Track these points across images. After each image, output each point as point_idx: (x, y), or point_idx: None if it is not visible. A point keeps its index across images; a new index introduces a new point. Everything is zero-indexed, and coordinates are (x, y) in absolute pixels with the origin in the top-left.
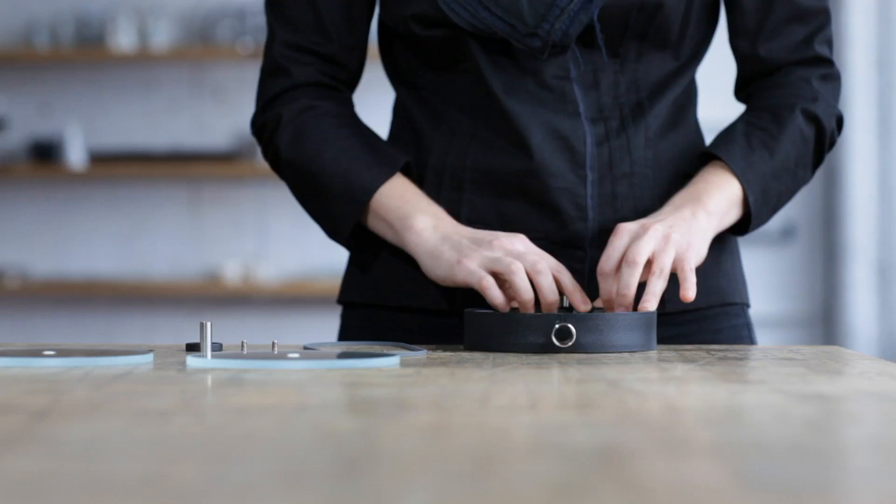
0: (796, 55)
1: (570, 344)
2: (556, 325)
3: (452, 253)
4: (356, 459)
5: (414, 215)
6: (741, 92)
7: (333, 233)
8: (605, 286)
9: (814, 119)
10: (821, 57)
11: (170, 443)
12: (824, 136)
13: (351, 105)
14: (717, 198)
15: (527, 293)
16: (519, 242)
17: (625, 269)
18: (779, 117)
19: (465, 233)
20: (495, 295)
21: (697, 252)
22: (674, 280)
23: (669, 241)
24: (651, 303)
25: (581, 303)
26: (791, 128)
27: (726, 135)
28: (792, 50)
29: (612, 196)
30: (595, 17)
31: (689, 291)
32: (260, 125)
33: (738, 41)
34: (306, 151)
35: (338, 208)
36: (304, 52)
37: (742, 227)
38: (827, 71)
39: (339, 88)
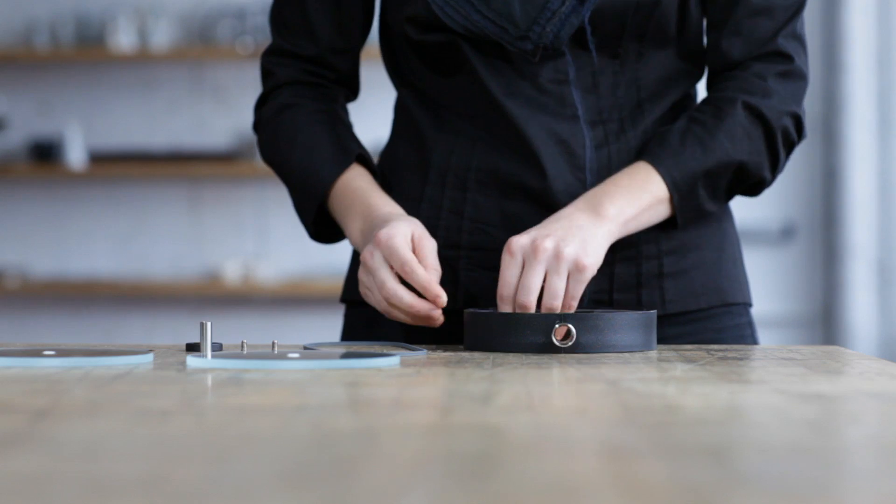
0: (755, 50)
1: (570, 344)
2: (556, 325)
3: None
4: (356, 459)
5: (348, 220)
6: (709, 86)
7: (303, 224)
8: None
9: (758, 115)
10: (782, 52)
11: (170, 443)
12: (774, 133)
13: (334, 99)
14: (619, 202)
15: (391, 309)
16: (376, 251)
17: (518, 311)
18: (719, 111)
19: (371, 241)
20: (396, 317)
21: (591, 263)
22: (673, 280)
23: (561, 259)
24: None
25: (436, 297)
26: (729, 122)
27: (664, 133)
28: (753, 45)
29: None
30: (586, 20)
31: (566, 305)
32: (253, 123)
33: (708, 34)
34: (280, 150)
35: (302, 203)
36: (287, 56)
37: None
38: (786, 68)
39: (323, 84)
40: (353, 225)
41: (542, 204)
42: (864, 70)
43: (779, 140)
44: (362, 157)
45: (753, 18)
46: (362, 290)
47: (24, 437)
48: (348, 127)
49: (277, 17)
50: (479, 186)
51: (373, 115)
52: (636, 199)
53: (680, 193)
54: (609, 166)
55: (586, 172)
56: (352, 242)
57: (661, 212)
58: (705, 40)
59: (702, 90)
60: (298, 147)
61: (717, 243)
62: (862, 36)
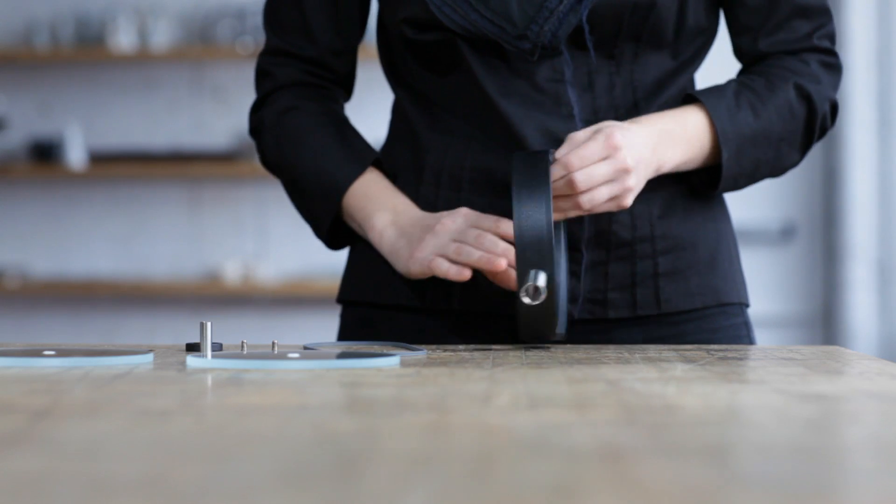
0: (797, 46)
1: (541, 299)
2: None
3: (406, 248)
4: (356, 459)
5: (373, 215)
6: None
7: (316, 231)
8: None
9: (806, 97)
10: (820, 48)
11: (170, 443)
12: (815, 117)
13: (335, 100)
14: (677, 147)
15: (480, 261)
16: (460, 218)
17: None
18: (772, 84)
19: (418, 222)
20: (445, 268)
21: (629, 199)
22: (668, 279)
23: (624, 176)
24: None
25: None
26: (781, 97)
27: (716, 87)
28: (793, 43)
29: None
30: (584, 19)
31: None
32: (251, 129)
33: (740, 39)
34: (286, 153)
35: (315, 207)
36: (286, 56)
37: (710, 183)
38: (828, 59)
39: (324, 86)
40: (380, 217)
41: None
42: (864, 70)
43: (817, 124)
44: (378, 161)
45: (790, 21)
46: (423, 253)
47: (24, 437)
48: (354, 128)
49: (273, 16)
50: (472, 186)
51: (372, 116)
52: (685, 146)
53: (729, 152)
54: None
55: None
56: (376, 236)
57: (696, 162)
58: (734, 43)
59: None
60: (308, 151)
61: (712, 243)
62: (862, 36)
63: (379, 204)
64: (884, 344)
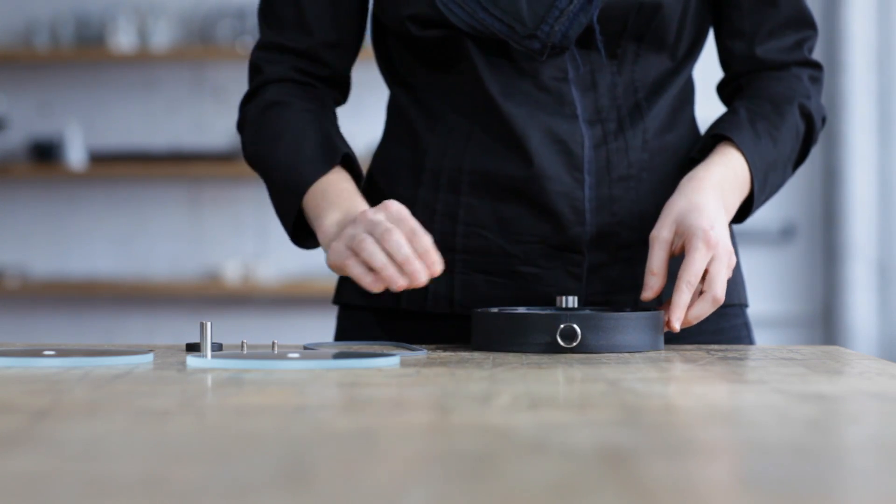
0: (790, 57)
1: (575, 344)
2: (561, 326)
3: (335, 240)
4: (356, 459)
5: (324, 214)
6: (725, 88)
7: (283, 224)
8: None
9: (807, 116)
10: (809, 60)
11: (170, 443)
12: (812, 134)
13: (321, 99)
14: (736, 193)
15: (378, 262)
16: (382, 212)
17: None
18: (779, 108)
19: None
20: (358, 272)
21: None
22: (670, 282)
23: (729, 263)
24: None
25: (434, 263)
26: (790, 121)
27: (732, 118)
28: (786, 52)
29: (610, 199)
30: (595, 19)
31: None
32: (237, 124)
33: (732, 41)
34: (262, 148)
35: (282, 202)
36: (279, 51)
37: (739, 215)
38: (816, 73)
39: (313, 84)
40: (330, 216)
41: (538, 206)
42: (864, 70)
43: (813, 140)
44: (348, 158)
45: (783, 29)
46: (341, 248)
47: (24, 437)
48: (336, 127)
49: (268, 9)
50: (471, 189)
51: (371, 116)
52: (738, 190)
53: (759, 183)
54: (607, 167)
55: (584, 172)
56: (322, 235)
57: (739, 200)
58: (724, 46)
59: (700, 90)
60: (284, 144)
61: None
62: (862, 36)
63: (333, 204)
64: (884, 344)
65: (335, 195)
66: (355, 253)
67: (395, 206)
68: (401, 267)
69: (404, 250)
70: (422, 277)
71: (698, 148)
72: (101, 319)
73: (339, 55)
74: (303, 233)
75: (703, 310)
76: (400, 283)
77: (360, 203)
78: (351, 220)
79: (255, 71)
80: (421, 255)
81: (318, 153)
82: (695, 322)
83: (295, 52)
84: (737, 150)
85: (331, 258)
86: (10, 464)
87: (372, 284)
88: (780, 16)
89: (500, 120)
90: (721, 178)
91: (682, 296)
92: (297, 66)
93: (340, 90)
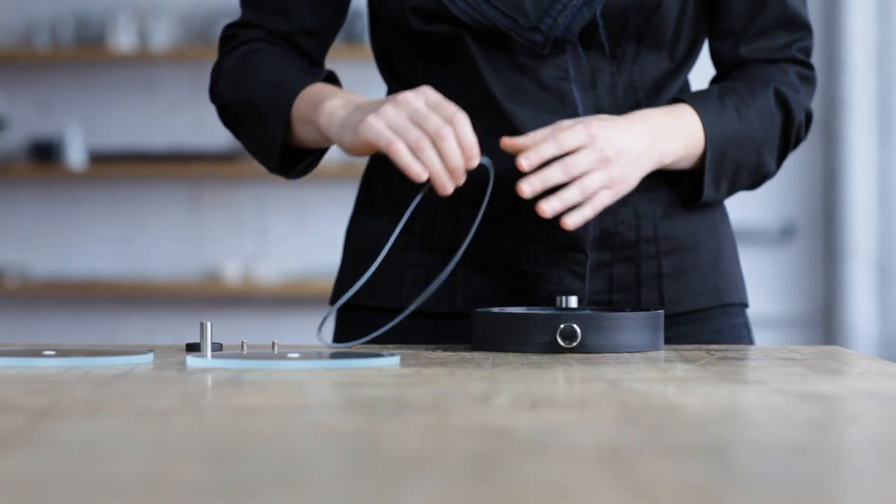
0: (776, 56)
1: (575, 344)
2: (561, 326)
3: (358, 115)
4: (356, 459)
5: (323, 101)
6: None
7: (268, 155)
8: (541, 152)
9: (783, 103)
10: (798, 59)
11: (170, 443)
12: (792, 125)
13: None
14: (675, 139)
15: (437, 170)
16: (422, 97)
17: (555, 168)
18: (752, 88)
19: (373, 100)
20: (407, 160)
21: (625, 188)
22: (672, 280)
23: (594, 145)
24: (548, 203)
25: (473, 155)
26: (762, 101)
27: (702, 92)
28: (772, 52)
29: None
30: (598, 13)
31: (572, 219)
32: (210, 88)
33: (720, 43)
34: (242, 85)
35: (267, 124)
36: (256, 28)
37: (693, 190)
38: (805, 72)
39: (287, 48)
40: (330, 102)
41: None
42: (864, 70)
43: (793, 133)
44: (332, 75)
45: (773, 30)
46: (380, 126)
47: (24, 437)
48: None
49: None
50: (472, 188)
51: None
52: (682, 140)
53: (713, 153)
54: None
55: None
56: (322, 119)
57: (683, 164)
58: (714, 46)
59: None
60: (261, 76)
61: (713, 243)
62: (862, 36)
63: (329, 95)
64: (884, 344)
65: (327, 91)
66: (403, 138)
67: (431, 91)
68: (451, 173)
69: (457, 157)
70: (459, 178)
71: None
72: (101, 319)
73: (315, 43)
74: (288, 161)
75: (552, 177)
76: (449, 191)
77: (357, 96)
78: (371, 102)
79: (226, 40)
80: (464, 147)
81: (300, 73)
82: (552, 201)
83: (272, 33)
84: (693, 112)
85: (366, 132)
86: (10, 464)
87: (419, 175)
88: (769, 17)
89: (501, 118)
90: (662, 121)
91: (535, 138)
92: (273, 39)
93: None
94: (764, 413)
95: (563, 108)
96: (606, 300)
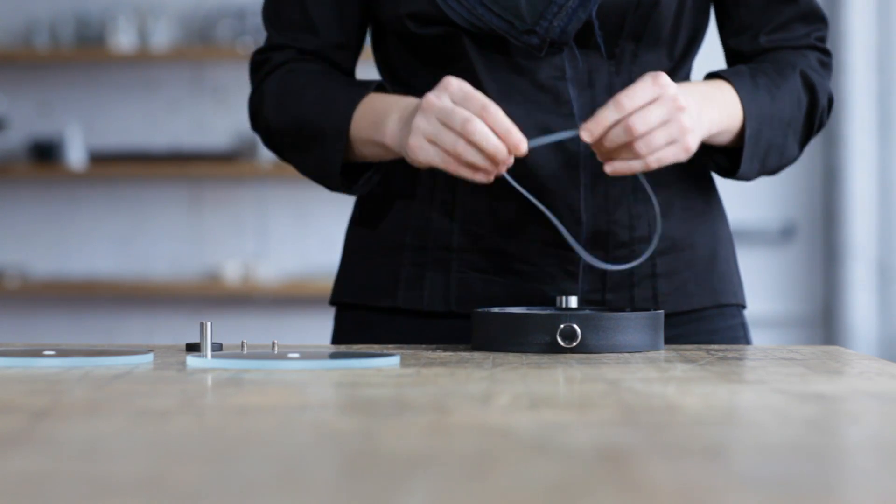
0: (796, 44)
1: (575, 344)
2: (561, 326)
3: (404, 134)
4: (356, 459)
5: (385, 120)
6: None
7: (329, 176)
8: (608, 119)
9: (810, 87)
10: (818, 46)
11: (170, 443)
12: (816, 108)
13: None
14: (721, 109)
15: (477, 161)
16: (445, 94)
17: (620, 129)
18: (782, 70)
19: (415, 107)
20: (467, 177)
21: (693, 141)
22: (666, 280)
23: (681, 112)
24: (612, 165)
25: (518, 143)
26: (791, 83)
27: (733, 69)
28: (792, 41)
29: (606, 198)
30: (594, 15)
31: (614, 166)
32: (251, 114)
33: (738, 38)
34: (289, 107)
35: (325, 145)
36: (286, 50)
37: (727, 167)
38: (824, 58)
39: (319, 63)
40: (390, 123)
41: (534, 205)
42: (864, 70)
43: (817, 116)
44: (382, 86)
45: (791, 24)
46: (425, 146)
47: (24, 437)
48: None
49: (273, 12)
50: (468, 188)
51: None
52: (725, 111)
53: (752, 129)
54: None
55: (580, 171)
56: (390, 139)
57: (724, 138)
58: (730, 42)
59: None
60: (309, 95)
61: (709, 244)
62: (862, 36)
63: (387, 112)
64: (884, 344)
65: (384, 102)
66: (445, 151)
67: (454, 84)
68: (492, 159)
69: (493, 140)
70: (510, 161)
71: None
72: (101, 319)
73: (345, 56)
74: (349, 179)
75: (618, 136)
76: (495, 174)
77: (407, 99)
78: (413, 111)
79: (259, 65)
80: (503, 137)
81: (348, 89)
82: (615, 163)
83: (303, 52)
84: (731, 88)
85: (415, 157)
86: (10, 464)
87: (483, 178)
88: (790, 11)
89: None
90: (705, 91)
91: (605, 111)
92: (305, 57)
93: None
94: (764, 413)
95: (559, 108)
96: (600, 299)
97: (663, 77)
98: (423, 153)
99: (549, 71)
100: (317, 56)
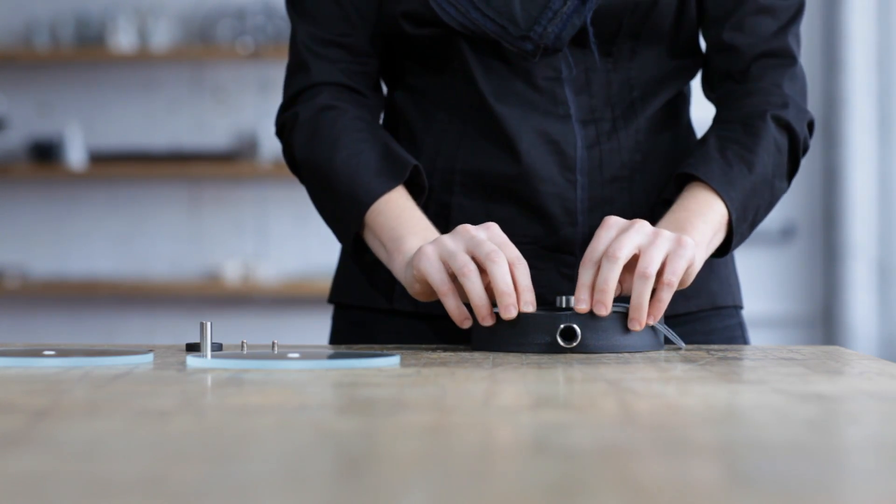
0: (759, 46)
1: (575, 344)
2: (561, 326)
3: (419, 256)
4: (356, 459)
5: (405, 238)
6: (709, 89)
7: (339, 236)
8: (584, 279)
9: (786, 127)
10: (785, 50)
11: (170, 443)
12: (798, 143)
13: (372, 108)
14: (700, 227)
15: (478, 298)
16: (483, 230)
17: (604, 264)
18: (752, 128)
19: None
20: (452, 306)
21: (693, 247)
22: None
23: (660, 234)
24: (652, 317)
25: (527, 303)
26: (765, 139)
27: (701, 152)
28: (756, 40)
29: (602, 200)
30: (588, 21)
31: (651, 316)
32: (280, 125)
33: (706, 30)
34: (320, 151)
35: (343, 211)
36: (328, 46)
37: (722, 247)
38: (792, 69)
39: (362, 92)
40: (411, 241)
41: (530, 207)
42: (864, 70)
43: (800, 150)
44: (417, 169)
45: (757, 16)
46: (435, 261)
47: (24, 437)
48: (390, 136)
49: (302, 4)
50: (464, 190)
51: None
52: (709, 222)
53: (737, 214)
54: (600, 167)
55: (576, 173)
56: (402, 257)
57: (720, 236)
58: (702, 35)
59: (698, 91)
60: (342, 151)
61: None
62: (862, 36)
63: (412, 229)
64: (884, 344)
65: (411, 219)
66: (452, 274)
67: (496, 229)
68: (499, 297)
69: (507, 280)
70: (512, 312)
71: (669, 189)
72: (101, 319)
73: (378, 46)
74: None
75: (641, 289)
76: (489, 323)
77: (433, 230)
78: (450, 233)
79: (301, 67)
80: (519, 291)
81: (382, 165)
82: (657, 310)
83: (344, 48)
84: (706, 187)
85: (419, 262)
86: (10, 464)
87: (460, 321)
88: (753, 3)
89: (492, 120)
90: (679, 220)
91: (639, 294)
92: (345, 66)
93: (380, 96)
94: (764, 413)
95: (555, 109)
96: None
97: (643, 223)
98: (428, 264)
99: (546, 72)
100: (355, 53)
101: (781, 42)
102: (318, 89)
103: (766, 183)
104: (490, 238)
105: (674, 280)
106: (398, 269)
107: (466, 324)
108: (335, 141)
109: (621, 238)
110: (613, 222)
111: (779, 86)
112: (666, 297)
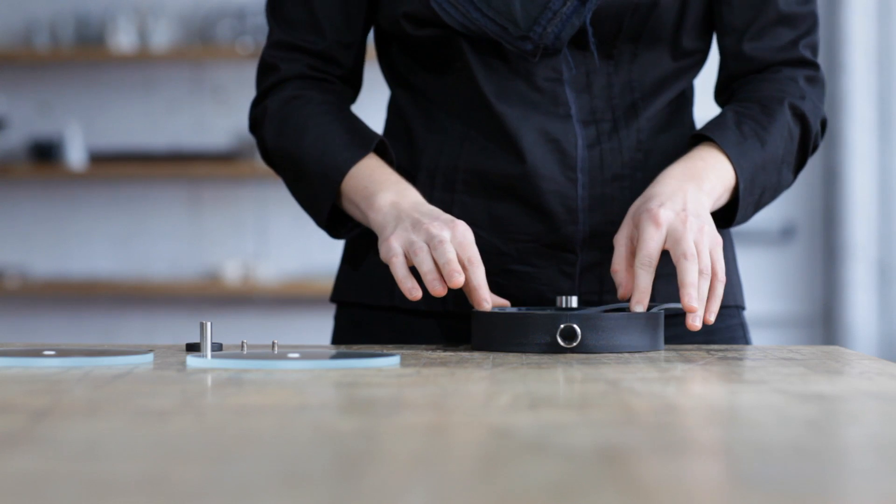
0: (781, 55)
1: (575, 344)
2: (561, 326)
3: (389, 230)
4: (356, 459)
5: (377, 193)
6: (722, 93)
7: (315, 217)
8: (630, 282)
9: (801, 117)
10: (805, 59)
11: (170, 443)
12: (809, 136)
13: (338, 93)
14: (713, 179)
15: (424, 266)
16: (448, 230)
17: (642, 271)
18: (768, 109)
19: (418, 211)
20: (401, 275)
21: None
22: (663, 282)
23: (703, 233)
24: (712, 313)
25: (481, 301)
26: (780, 121)
27: (718, 121)
28: (777, 51)
29: (603, 198)
30: (588, 21)
31: (711, 315)
32: (251, 124)
33: (724, 38)
34: (288, 138)
35: (316, 190)
36: (294, 51)
37: (725, 217)
38: (812, 73)
39: (328, 80)
40: (384, 196)
41: (531, 205)
42: (864, 70)
43: (810, 144)
44: (383, 143)
45: (775, 27)
46: (402, 243)
47: (24, 437)
48: (357, 117)
49: (278, 10)
50: (466, 188)
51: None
52: (718, 179)
53: (745, 184)
54: (601, 166)
55: (577, 172)
56: (376, 213)
57: (724, 200)
58: (717, 43)
59: (701, 91)
60: (309, 136)
61: None
62: (862, 36)
63: (384, 185)
64: (884, 344)
65: (380, 177)
66: (407, 257)
67: (462, 228)
68: (441, 269)
69: (450, 257)
70: (458, 279)
71: (684, 153)
72: (101, 319)
73: (350, 53)
74: (334, 223)
75: (704, 288)
76: (437, 287)
77: (408, 185)
78: (413, 223)
79: (269, 69)
80: (469, 289)
81: (350, 139)
82: (712, 308)
83: (309, 53)
84: (719, 150)
85: (384, 252)
86: (10, 464)
87: (410, 291)
88: (771, 12)
89: (493, 120)
90: (690, 168)
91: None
92: (312, 65)
93: (353, 85)
94: (764, 413)
95: (556, 109)
96: (597, 300)
97: (660, 212)
98: (386, 251)
99: (546, 73)
100: (323, 59)
101: (798, 52)
102: (285, 83)
103: (775, 164)
104: (452, 238)
105: (721, 272)
106: (372, 221)
107: (415, 293)
108: (302, 127)
109: (685, 243)
110: (664, 220)
111: (795, 80)
112: (720, 291)
